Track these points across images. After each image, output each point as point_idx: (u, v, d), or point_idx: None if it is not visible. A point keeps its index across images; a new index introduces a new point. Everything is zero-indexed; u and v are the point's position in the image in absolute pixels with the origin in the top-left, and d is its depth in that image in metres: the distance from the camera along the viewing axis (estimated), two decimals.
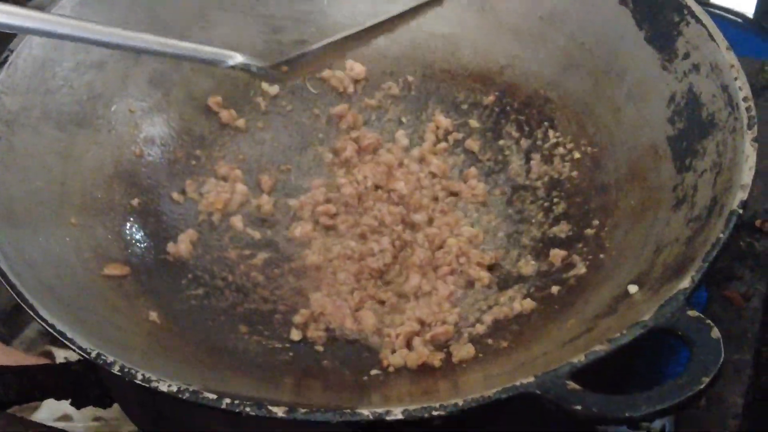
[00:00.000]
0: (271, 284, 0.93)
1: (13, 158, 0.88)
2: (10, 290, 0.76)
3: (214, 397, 0.68)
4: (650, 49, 0.94)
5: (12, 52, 0.92)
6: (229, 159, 1.03)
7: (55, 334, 0.74)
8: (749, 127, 0.81)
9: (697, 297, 0.79)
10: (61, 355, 1.70)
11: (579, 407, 0.66)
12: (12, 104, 0.90)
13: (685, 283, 0.72)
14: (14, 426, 0.86)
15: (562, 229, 0.94)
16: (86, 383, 0.95)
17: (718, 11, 1.84)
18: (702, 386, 0.66)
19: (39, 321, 0.75)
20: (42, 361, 1.68)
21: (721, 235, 0.75)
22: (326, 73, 1.07)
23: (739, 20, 1.80)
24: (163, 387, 0.69)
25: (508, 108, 1.03)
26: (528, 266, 0.92)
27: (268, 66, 0.93)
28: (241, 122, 1.04)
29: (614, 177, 0.94)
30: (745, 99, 0.84)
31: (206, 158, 1.02)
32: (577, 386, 0.67)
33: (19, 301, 0.76)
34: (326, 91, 1.08)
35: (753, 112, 0.83)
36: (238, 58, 0.91)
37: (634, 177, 0.91)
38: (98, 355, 0.72)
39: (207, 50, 0.91)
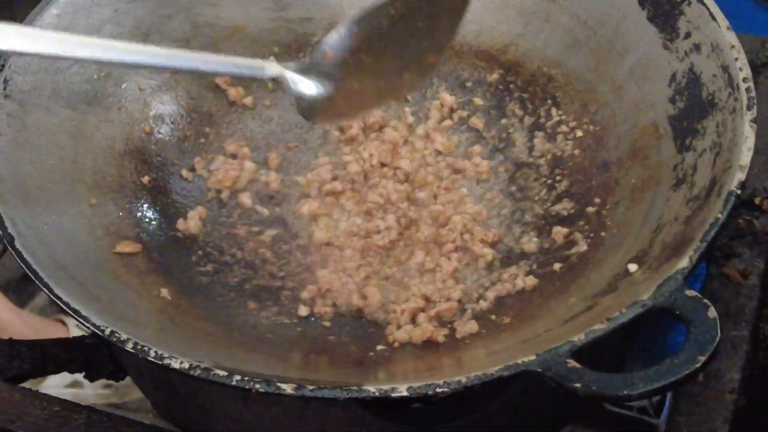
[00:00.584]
0: (279, 261, 0.93)
1: (26, 137, 0.89)
2: (24, 268, 0.77)
3: (225, 374, 0.70)
4: (652, 28, 0.94)
5: None
6: (237, 137, 1.03)
7: (69, 312, 0.75)
8: (748, 108, 0.82)
9: (696, 273, 0.79)
10: (72, 322, 1.72)
11: (578, 385, 0.67)
12: (24, 84, 0.90)
13: (684, 263, 0.73)
14: (31, 400, 0.87)
15: (565, 207, 0.94)
16: (99, 357, 0.97)
17: None
18: (698, 365, 0.67)
19: (53, 298, 0.77)
20: (57, 325, 1.70)
21: (720, 216, 0.76)
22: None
23: None
24: (176, 364, 0.71)
25: (512, 86, 1.04)
26: (531, 243, 0.92)
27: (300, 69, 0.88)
28: (248, 100, 1.04)
29: (616, 155, 0.94)
30: (745, 80, 0.84)
31: (215, 136, 1.02)
32: (577, 364, 0.69)
33: (33, 279, 0.77)
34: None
35: (753, 93, 0.84)
36: (275, 68, 0.86)
37: (635, 155, 0.92)
38: (112, 332, 0.73)
39: (244, 63, 0.87)
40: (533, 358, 0.69)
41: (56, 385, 1.25)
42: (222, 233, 0.96)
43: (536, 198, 0.97)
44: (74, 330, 1.71)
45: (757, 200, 0.94)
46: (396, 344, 0.86)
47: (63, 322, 1.77)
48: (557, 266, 0.89)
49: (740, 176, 0.78)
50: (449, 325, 0.87)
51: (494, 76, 1.05)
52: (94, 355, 0.97)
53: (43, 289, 0.76)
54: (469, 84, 1.06)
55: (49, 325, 1.76)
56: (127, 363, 0.94)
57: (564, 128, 0.99)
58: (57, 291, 0.76)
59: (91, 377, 0.97)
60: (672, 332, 0.94)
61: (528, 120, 1.02)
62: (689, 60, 0.90)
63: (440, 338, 0.85)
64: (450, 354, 0.84)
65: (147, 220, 0.94)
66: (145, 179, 0.96)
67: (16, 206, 0.83)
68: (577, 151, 0.97)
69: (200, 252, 0.94)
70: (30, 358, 0.94)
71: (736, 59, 0.86)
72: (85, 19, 0.97)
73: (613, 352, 0.92)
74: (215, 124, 1.04)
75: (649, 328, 0.85)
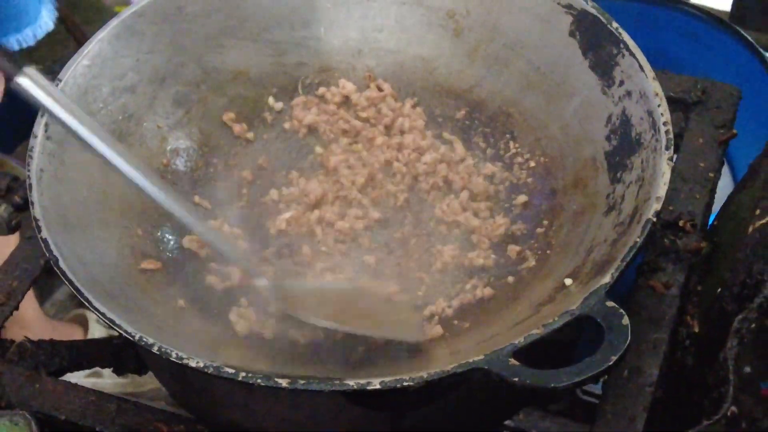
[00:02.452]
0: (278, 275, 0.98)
1: (64, 172, 0.94)
2: (68, 285, 0.83)
3: (233, 371, 0.77)
4: (593, 75, 0.99)
5: (61, 81, 0.98)
6: (241, 166, 1.08)
7: (105, 321, 0.81)
8: (667, 148, 0.88)
9: (622, 286, 0.84)
10: (92, 318, 1.80)
11: (516, 379, 0.75)
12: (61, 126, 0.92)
13: (607, 278, 0.80)
14: (70, 391, 0.93)
15: (519, 228, 1.00)
16: (126, 356, 1.04)
17: (693, 11, 1.88)
18: (611, 363, 0.75)
19: (93, 311, 0.82)
20: (74, 329, 1.79)
21: (638, 240, 0.82)
22: (321, 90, 1.12)
23: (710, 18, 1.83)
24: (193, 363, 0.78)
25: (476, 122, 1.09)
26: (489, 259, 0.98)
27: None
28: (250, 134, 1.10)
29: (562, 184, 1.00)
30: (665, 123, 0.90)
31: (222, 166, 1.07)
32: (516, 362, 0.76)
33: (76, 294, 0.82)
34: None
35: (671, 135, 0.89)
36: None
37: (578, 184, 0.98)
38: (140, 338, 0.80)
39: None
40: (482, 357, 0.76)
41: (78, 374, 1.31)
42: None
43: (495, 219, 1.02)
44: (93, 327, 1.80)
45: (681, 222, 0.99)
46: (374, 345, 0.90)
47: (81, 324, 1.87)
48: (510, 279, 0.96)
49: (656, 206, 0.84)
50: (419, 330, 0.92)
51: (461, 113, 1.10)
52: (121, 354, 1.03)
53: (85, 302, 0.82)
54: (440, 119, 1.10)
55: (67, 326, 1.85)
56: (149, 360, 0.99)
57: (519, 159, 1.05)
58: (96, 304, 0.81)
59: (119, 372, 1.04)
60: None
61: (490, 152, 1.07)
62: (622, 104, 0.96)
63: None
64: (418, 355, 0.90)
65: (166, 240, 1.00)
66: None
67: (59, 232, 0.88)
68: (530, 179, 1.03)
69: (207, 264, 0.99)
70: (68, 355, 1.00)
71: (659, 105, 0.91)
72: (110, 69, 1.02)
73: (563, 348, 0.97)
74: (222, 156, 1.08)
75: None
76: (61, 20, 2.15)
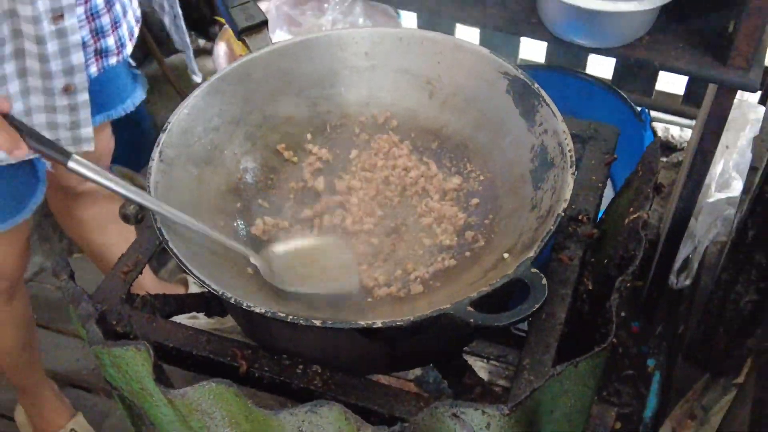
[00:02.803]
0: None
1: (171, 184, 0.94)
2: (175, 258, 0.83)
3: (284, 315, 0.79)
4: (522, 119, 0.99)
5: (170, 123, 0.98)
6: (289, 180, 1.05)
7: (199, 281, 0.82)
8: (570, 166, 0.89)
9: (541, 258, 0.84)
10: (191, 280, 1.80)
11: (472, 321, 0.77)
12: (170, 153, 0.96)
13: (531, 253, 0.82)
14: (176, 327, 0.93)
15: (473, 220, 0.99)
16: (213, 305, 1.04)
17: (588, 77, 1.94)
18: (534, 308, 0.77)
19: (191, 274, 0.82)
20: (179, 287, 1.79)
21: (552, 228, 0.84)
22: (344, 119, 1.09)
23: (599, 82, 1.88)
24: (256, 309, 0.80)
25: (445, 150, 1.06)
26: (452, 240, 0.97)
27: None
28: (295, 158, 1.07)
29: (502, 191, 0.99)
30: (570, 150, 0.91)
31: (276, 180, 1.05)
32: (472, 309, 0.78)
33: (179, 263, 0.83)
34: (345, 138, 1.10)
35: (573, 159, 0.90)
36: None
37: (511, 192, 0.97)
38: (223, 293, 0.81)
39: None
40: (448, 306, 0.78)
41: (182, 317, 1.30)
42: (277, 236, 0.99)
43: (457, 214, 1.00)
44: (192, 287, 1.81)
45: (580, 216, 0.99)
46: (378, 297, 0.92)
47: (183, 284, 1.87)
48: (467, 254, 0.95)
49: (564, 205, 0.86)
50: (407, 288, 0.93)
51: (435, 144, 1.07)
52: (210, 303, 1.04)
53: (184, 269, 0.83)
54: (420, 148, 1.08)
55: (173, 286, 1.86)
56: (228, 308, 0.99)
57: (473, 174, 1.03)
58: (193, 270, 0.83)
59: (209, 315, 1.04)
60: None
61: (453, 169, 1.05)
62: (541, 138, 0.96)
63: (401, 295, 0.92)
64: (407, 304, 0.91)
65: (240, 228, 0.99)
66: (238, 205, 1.00)
67: (168, 224, 0.88)
68: (480, 188, 1.02)
69: (267, 245, 0.96)
70: (175, 304, 1.00)
71: (566, 139, 0.92)
72: (202, 115, 1.01)
73: (503, 300, 0.96)
74: (277, 173, 1.06)
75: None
76: (172, 84, 2.17)
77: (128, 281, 0.97)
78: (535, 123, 0.98)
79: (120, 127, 1.46)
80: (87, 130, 1.20)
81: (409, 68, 1.09)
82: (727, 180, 1.82)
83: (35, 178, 1.27)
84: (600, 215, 1.09)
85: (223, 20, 1.89)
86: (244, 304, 0.81)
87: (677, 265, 1.84)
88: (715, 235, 1.77)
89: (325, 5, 1.74)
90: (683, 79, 2.26)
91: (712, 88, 1.79)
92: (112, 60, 1.23)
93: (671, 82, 2.34)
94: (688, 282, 1.82)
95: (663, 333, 1.91)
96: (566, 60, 2.04)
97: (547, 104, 0.97)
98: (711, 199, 1.75)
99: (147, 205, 0.88)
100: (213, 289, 0.83)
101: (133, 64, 1.46)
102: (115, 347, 0.81)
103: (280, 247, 0.95)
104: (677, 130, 2.33)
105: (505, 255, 0.88)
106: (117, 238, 1.58)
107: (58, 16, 1.08)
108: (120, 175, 1.03)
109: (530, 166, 0.97)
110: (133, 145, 1.59)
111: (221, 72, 1.06)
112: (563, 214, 0.86)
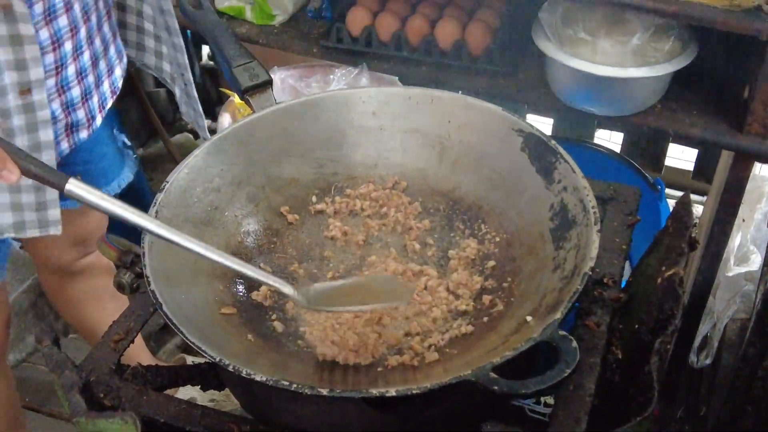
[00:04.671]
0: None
1: (166, 245, 0.86)
2: (170, 324, 0.78)
3: (287, 383, 0.73)
4: (539, 177, 0.94)
5: (168, 182, 0.93)
6: (292, 244, 1.01)
7: (195, 347, 0.76)
8: (595, 224, 0.85)
9: (567, 322, 0.79)
10: (189, 359, 1.72)
11: (496, 387, 0.71)
12: (167, 213, 0.92)
13: (558, 314, 0.76)
14: (167, 401, 0.87)
15: (490, 283, 0.93)
16: (209, 376, 0.97)
17: (598, 147, 1.91)
18: (565, 375, 0.71)
19: (187, 339, 0.77)
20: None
21: (579, 287, 0.78)
22: (348, 191, 1.05)
23: (610, 153, 1.87)
24: (257, 377, 0.74)
25: (458, 211, 1.02)
26: (469, 306, 0.92)
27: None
28: (299, 221, 1.03)
29: (519, 252, 0.94)
30: (593, 207, 0.86)
31: (279, 243, 1.00)
32: (495, 375, 0.72)
33: (174, 329, 0.78)
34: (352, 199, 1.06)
35: (598, 215, 0.86)
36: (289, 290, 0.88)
37: (531, 252, 0.92)
38: (221, 360, 0.75)
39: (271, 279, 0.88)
40: (470, 372, 0.72)
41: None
42: (279, 301, 0.94)
43: (473, 278, 0.95)
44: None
45: (605, 279, 0.94)
46: (390, 367, 0.85)
47: (184, 360, 1.78)
48: (485, 319, 0.89)
49: (591, 263, 0.80)
50: (421, 356, 0.86)
51: (446, 206, 1.03)
52: (206, 375, 0.97)
53: (180, 334, 0.77)
54: (431, 210, 1.04)
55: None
56: (225, 378, 0.92)
57: (488, 236, 0.98)
58: (188, 335, 0.77)
59: (204, 388, 0.97)
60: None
61: (467, 231, 1.00)
62: (561, 196, 0.91)
63: (415, 363, 0.85)
64: (420, 373, 0.84)
65: (240, 293, 0.93)
66: None
67: (163, 286, 0.83)
68: (496, 250, 0.96)
69: (272, 313, 0.92)
70: (168, 376, 0.94)
71: (587, 195, 0.88)
72: (203, 175, 0.97)
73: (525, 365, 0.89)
74: (279, 236, 1.01)
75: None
76: (177, 163, 2.13)
77: (119, 350, 0.90)
78: (554, 180, 0.94)
79: None
80: (54, 212, 1.13)
81: (419, 128, 1.06)
82: (745, 254, 1.76)
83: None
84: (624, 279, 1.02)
85: (229, 93, 1.87)
86: (244, 372, 0.74)
87: (696, 343, 1.75)
88: (735, 312, 1.70)
89: (330, 76, 1.72)
90: (692, 154, 2.24)
91: (724, 160, 1.75)
92: (83, 134, 1.18)
93: (680, 158, 2.32)
94: (708, 361, 1.74)
95: (684, 416, 1.80)
96: (573, 133, 2.01)
97: (566, 161, 0.93)
98: (730, 273, 1.69)
99: (157, 232, 0.83)
100: (210, 355, 0.76)
101: (129, 143, 1.43)
102: (100, 418, 0.75)
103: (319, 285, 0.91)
104: None
105: (528, 318, 0.82)
106: (114, 313, 1.50)
107: (25, 90, 1.04)
108: (118, 245, 0.98)
109: (550, 225, 0.92)
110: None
111: (223, 131, 1.02)
112: (590, 273, 0.80)
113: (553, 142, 0.96)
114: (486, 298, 0.92)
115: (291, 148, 1.05)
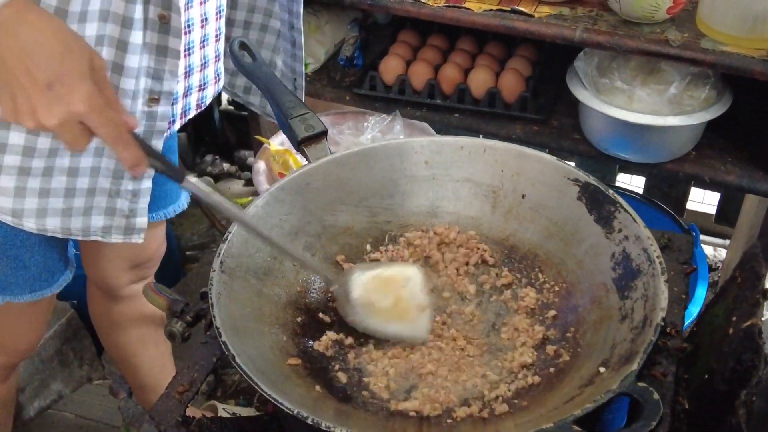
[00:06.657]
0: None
1: (233, 295, 0.89)
2: (243, 375, 0.77)
3: None
4: (598, 226, 0.95)
5: (230, 233, 0.94)
6: None
7: (271, 399, 0.75)
8: (662, 273, 0.85)
9: None
10: (219, 407, 1.69)
11: None
12: (230, 263, 0.92)
13: (634, 366, 0.76)
14: None
15: (552, 333, 0.92)
16: (271, 428, 0.95)
17: (627, 192, 1.92)
18: (652, 427, 0.70)
19: (262, 391, 0.76)
20: (207, 412, 1.68)
21: (653, 338, 0.78)
22: (401, 239, 1.05)
23: (641, 198, 1.88)
24: (337, 431, 0.73)
25: (513, 260, 1.01)
26: (533, 356, 0.91)
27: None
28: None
29: (581, 302, 0.93)
30: (658, 257, 0.87)
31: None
32: (578, 428, 0.71)
33: (249, 381, 0.77)
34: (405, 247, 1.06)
35: (663, 265, 0.86)
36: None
37: (593, 302, 0.92)
38: (298, 412, 0.74)
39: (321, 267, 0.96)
40: (551, 425, 0.72)
41: None
42: (341, 351, 0.93)
43: (534, 328, 0.94)
44: (221, 412, 1.68)
45: (668, 329, 0.93)
46: (459, 419, 0.84)
47: (212, 412, 1.75)
48: (551, 369, 0.88)
49: (662, 314, 0.80)
50: (489, 407, 0.85)
51: (501, 255, 1.03)
52: (267, 427, 0.95)
53: (255, 386, 0.76)
54: (489, 258, 1.02)
55: (202, 413, 1.74)
56: (289, 429, 0.91)
57: (547, 285, 0.97)
58: (263, 387, 0.76)
59: None
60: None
61: (524, 280, 1.00)
62: (622, 245, 0.91)
63: (485, 415, 0.84)
64: (492, 425, 0.83)
65: (303, 343, 0.92)
66: (299, 319, 0.95)
67: (233, 337, 0.82)
68: (556, 300, 0.96)
69: (335, 364, 0.91)
70: (231, 428, 0.93)
71: (651, 245, 0.88)
72: (262, 225, 0.96)
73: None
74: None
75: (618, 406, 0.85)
76: (197, 205, 2.13)
77: (184, 402, 0.89)
78: (614, 229, 0.94)
79: None
80: (142, 220, 1.15)
81: (471, 177, 1.07)
82: None
83: (65, 257, 1.25)
84: (685, 328, 0.99)
85: (263, 140, 1.88)
86: (324, 425, 0.74)
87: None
88: None
89: (365, 124, 1.74)
90: (714, 198, 2.25)
91: (749, 205, 1.76)
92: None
93: (701, 201, 2.33)
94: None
95: None
96: (595, 177, 2.02)
97: (626, 210, 0.94)
98: (765, 317, 1.68)
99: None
100: (286, 407, 0.75)
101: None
102: None
103: (359, 274, 0.95)
104: (710, 249, 2.29)
105: (601, 369, 0.82)
106: (152, 343, 1.51)
107: (153, 98, 1.06)
108: (165, 293, 0.99)
109: (612, 275, 0.92)
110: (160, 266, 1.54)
111: (281, 182, 1.03)
112: (662, 323, 0.81)
113: (611, 191, 0.97)
114: (550, 349, 0.91)
115: (345, 197, 1.06)
